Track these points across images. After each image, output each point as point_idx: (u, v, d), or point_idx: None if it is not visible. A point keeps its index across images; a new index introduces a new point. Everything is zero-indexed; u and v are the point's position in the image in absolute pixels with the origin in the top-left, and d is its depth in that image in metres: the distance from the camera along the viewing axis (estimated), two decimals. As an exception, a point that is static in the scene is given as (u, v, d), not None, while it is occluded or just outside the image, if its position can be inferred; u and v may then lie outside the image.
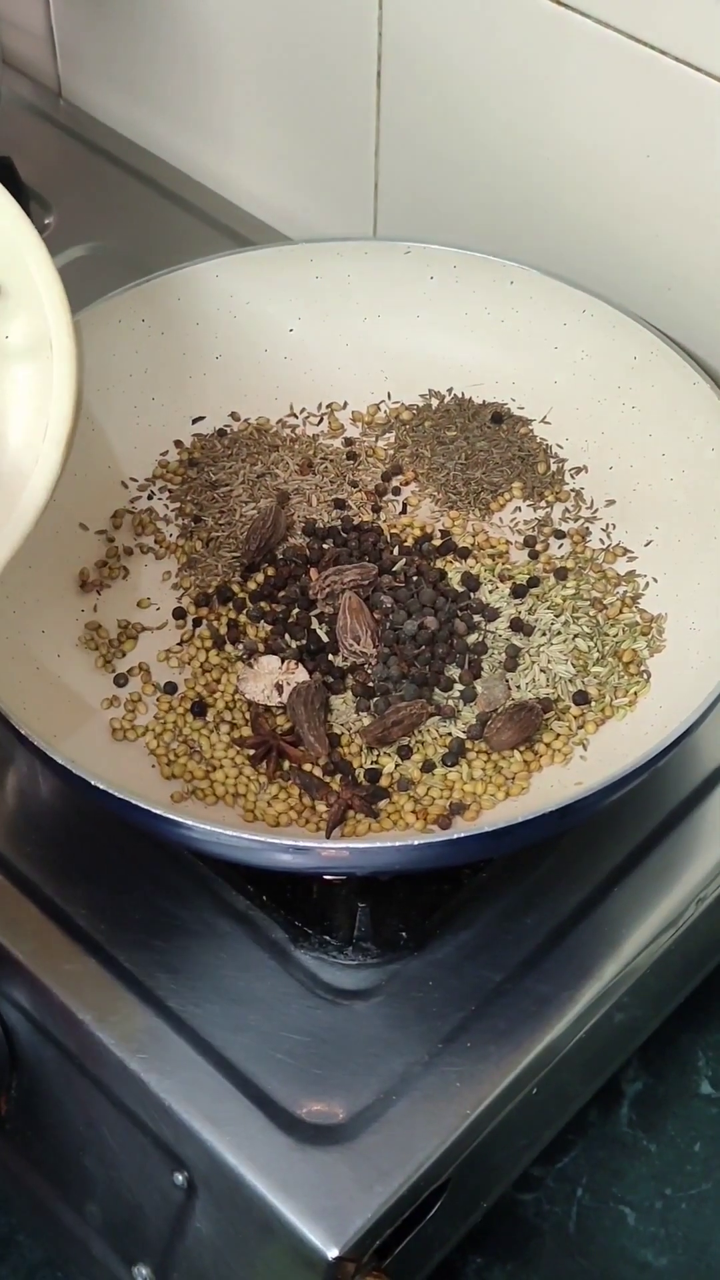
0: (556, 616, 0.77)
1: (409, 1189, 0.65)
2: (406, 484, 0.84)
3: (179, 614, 0.79)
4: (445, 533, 0.81)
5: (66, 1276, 0.81)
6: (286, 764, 0.73)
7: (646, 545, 0.80)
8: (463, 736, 0.73)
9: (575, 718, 0.74)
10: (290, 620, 0.77)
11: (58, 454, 0.67)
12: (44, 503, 0.67)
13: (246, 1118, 0.66)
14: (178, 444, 0.85)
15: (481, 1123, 0.67)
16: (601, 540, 0.81)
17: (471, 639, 0.76)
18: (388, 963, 0.71)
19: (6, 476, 0.68)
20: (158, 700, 0.75)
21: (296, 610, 0.78)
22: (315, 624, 0.77)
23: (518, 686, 0.75)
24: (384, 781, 0.72)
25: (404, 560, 0.79)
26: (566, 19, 0.80)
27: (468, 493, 0.83)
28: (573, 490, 0.83)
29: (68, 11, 1.08)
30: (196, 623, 0.78)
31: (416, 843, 0.64)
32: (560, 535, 0.81)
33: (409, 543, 0.81)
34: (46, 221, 1.03)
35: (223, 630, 0.77)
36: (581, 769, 0.72)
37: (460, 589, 0.78)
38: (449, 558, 0.80)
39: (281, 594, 0.79)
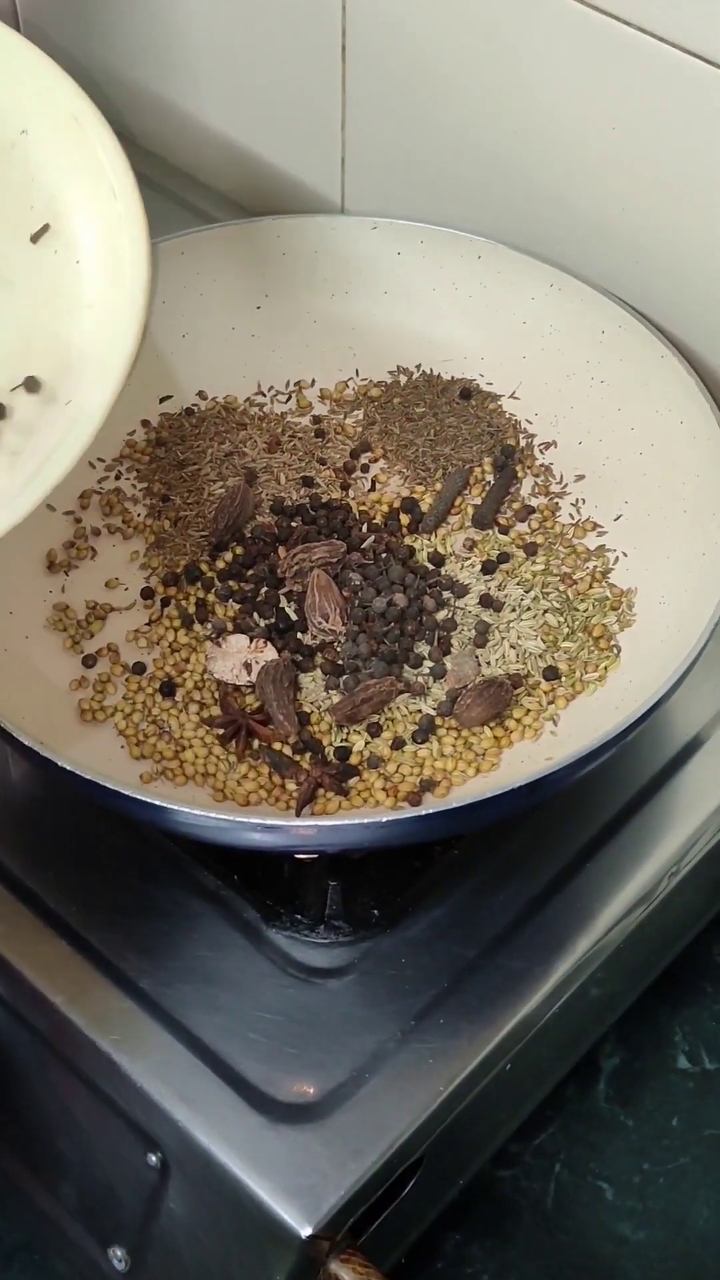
0: (526, 592, 0.77)
1: (382, 1166, 0.65)
2: (375, 461, 0.83)
3: (147, 594, 0.78)
4: (414, 504, 0.81)
5: (44, 1260, 0.81)
6: (256, 743, 0.72)
7: (616, 519, 0.80)
8: (433, 713, 0.73)
9: (545, 693, 0.74)
10: (259, 599, 0.77)
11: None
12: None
13: (219, 1097, 0.66)
14: (145, 423, 0.85)
15: (455, 1099, 0.67)
16: (571, 515, 0.81)
17: (441, 615, 0.76)
18: (360, 941, 0.71)
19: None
20: (126, 681, 0.75)
21: (265, 589, 0.77)
22: (284, 602, 0.77)
23: (488, 663, 0.75)
24: (354, 759, 0.72)
25: (373, 537, 0.79)
26: (530, -10, 0.79)
27: (436, 469, 0.82)
28: (542, 465, 0.82)
29: None
30: (165, 602, 0.78)
31: (385, 819, 0.64)
32: (530, 510, 0.81)
33: (377, 520, 0.80)
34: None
35: (191, 610, 0.77)
36: (552, 744, 0.72)
37: (429, 566, 0.78)
38: (418, 535, 0.80)
39: (250, 572, 0.78)
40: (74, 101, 0.71)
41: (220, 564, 0.79)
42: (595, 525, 0.80)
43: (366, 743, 0.72)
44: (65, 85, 0.71)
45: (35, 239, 0.69)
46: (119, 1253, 0.71)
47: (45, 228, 0.69)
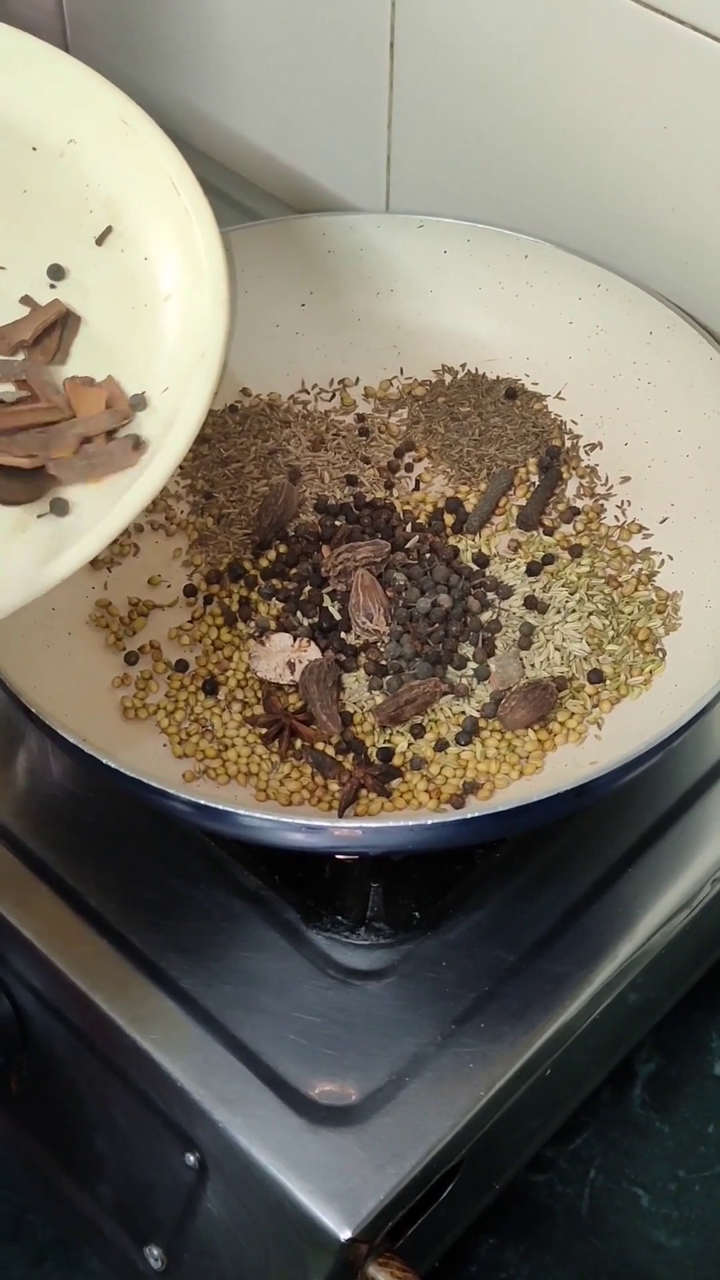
0: (571, 594, 0.76)
1: (422, 1171, 0.65)
2: (419, 460, 0.83)
3: (190, 591, 0.78)
4: (458, 504, 0.80)
5: (78, 1257, 0.81)
6: (299, 743, 0.72)
7: (662, 522, 0.79)
8: (476, 715, 0.73)
9: (590, 696, 0.73)
10: (302, 598, 0.77)
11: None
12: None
13: (258, 1098, 0.66)
14: (188, 420, 0.84)
15: (495, 1104, 0.67)
16: (616, 517, 0.80)
17: (485, 617, 0.76)
18: (400, 943, 0.70)
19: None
20: (169, 679, 0.75)
21: (309, 588, 0.77)
22: (327, 601, 0.76)
23: (532, 665, 0.74)
24: (397, 760, 0.72)
25: (417, 537, 0.79)
26: (582, -12, 0.79)
27: (481, 469, 0.82)
28: (588, 467, 0.82)
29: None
30: (208, 600, 0.77)
31: (430, 822, 0.63)
32: (575, 512, 0.80)
33: (422, 519, 0.80)
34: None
35: (234, 608, 0.77)
36: (596, 748, 0.72)
37: (474, 566, 0.78)
38: (462, 536, 0.79)
39: (293, 571, 0.78)
40: (121, 106, 0.71)
41: (264, 562, 0.79)
42: (641, 528, 0.79)
43: (410, 744, 0.72)
44: (110, 92, 0.72)
45: (100, 241, 0.70)
46: (155, 1252, 0.71)
47: (108, 230, 0.70)
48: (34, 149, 0.72)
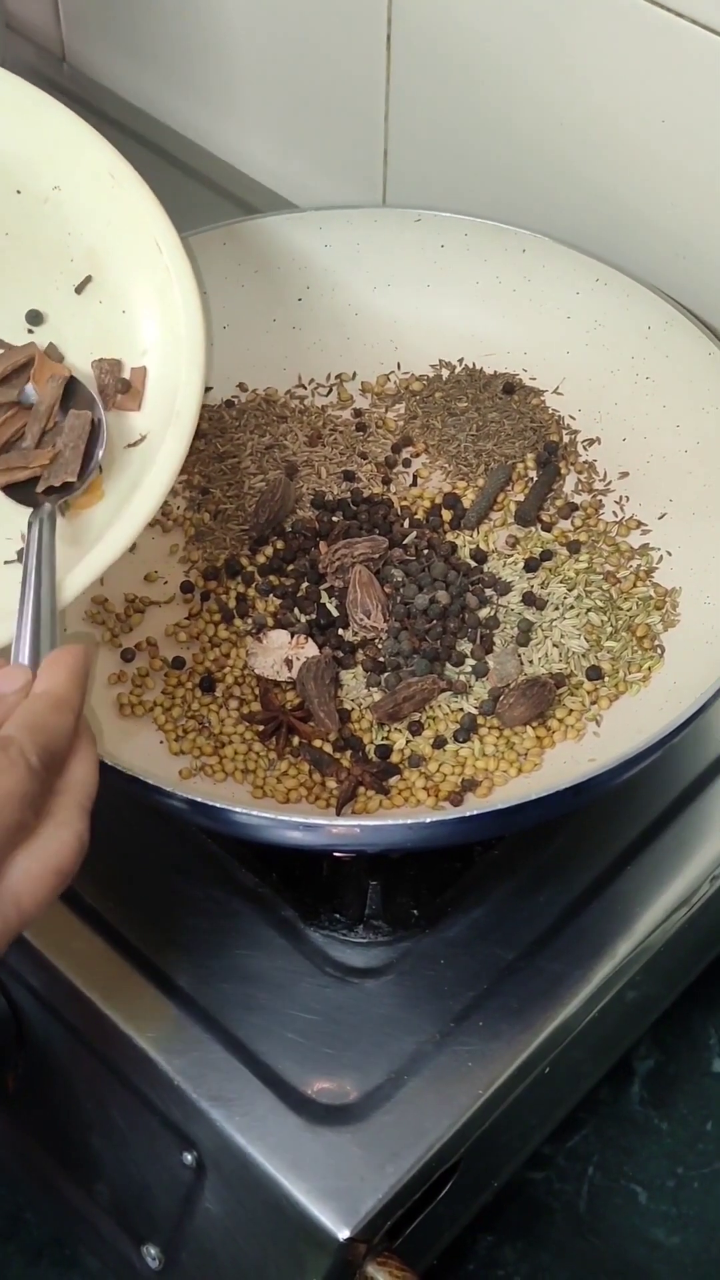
0: (569, 590, 0.76)
1: (420, 1169, 0.64)
2: (417, 455, 0.83)
3: (187, 588, 0.77)
4: (456, 500, 0.80)
5: (75, 1256, 0.81)
6: (296, 740, 0.72)
7: (660, 518, 0.79)
8: (474, 712, 0.72)
9: (588, 693, 0.73)
10: (300, 594, 0.76)
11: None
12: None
13: (256, 1097, 0.66)
14: (185, 415, 0.84)
15: (494, 1102, 0.67)
16: (615, 513, 0.80)
17: (483, 613, 0.75)
18: (399, 941, 0.70)
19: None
20: (165, 675, 0.74)
21: (306, 584, 0.77)
22: (325, 598, 0.76)
23: (530, 661, 0.74)
24: (395, 758, 0.71)
25: (415, 533, 0.78)
26: (581, -19, 0.79)
27: (479, 464, 0.81)
28: (586, 462, 0.82)
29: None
30: (205, 596, 0.77)
31: (428, 820, 0.63)
32: (573, 507, 0.80)
33: (419, 515, 0.80)
34: (51, 189, 1.01)
35: (231, 604, 0.76)
36: (595, 745, 0.71)
37: (472, 563, 0.77)
38: (460, 531, 0.79)
39: (291, 567, 0.78)
40: (109, 159, 0.73)
41: (261, 558, 0.78)
42: (639, 523, 0.79)
43: (408, 741, 0.72)
44: (99, 144, 0.73)
45: (79, 290, 0.71)
46: (152, 1251, 0.71)
47: (88, 279, 0.72)
48: (18, 192, 0.73)
